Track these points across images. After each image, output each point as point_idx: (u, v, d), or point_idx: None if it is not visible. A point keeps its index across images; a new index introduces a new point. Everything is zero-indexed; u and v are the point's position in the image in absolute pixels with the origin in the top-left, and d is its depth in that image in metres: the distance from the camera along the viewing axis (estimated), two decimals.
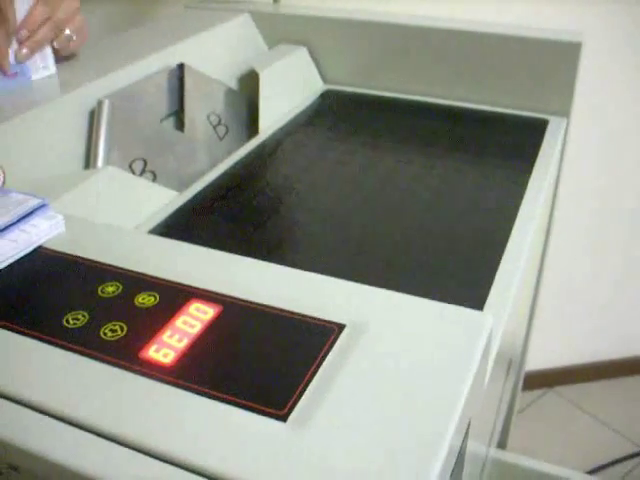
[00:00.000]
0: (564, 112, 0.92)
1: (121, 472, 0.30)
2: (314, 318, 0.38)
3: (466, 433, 0.37)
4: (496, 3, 1.33)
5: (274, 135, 0.87)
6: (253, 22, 1.02)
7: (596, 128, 1.57)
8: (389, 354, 0.35)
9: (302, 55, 0.99)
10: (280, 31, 1.02)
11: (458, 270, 0.60)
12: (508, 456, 1.24)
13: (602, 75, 1.47)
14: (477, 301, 0.55)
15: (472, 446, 0.43)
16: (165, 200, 0.71)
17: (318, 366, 0.35)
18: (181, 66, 0.83)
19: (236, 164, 0.80)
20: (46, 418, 0.32)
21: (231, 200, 0.72)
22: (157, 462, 0.30)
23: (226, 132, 0.89)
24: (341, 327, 0.37)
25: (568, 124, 0.92)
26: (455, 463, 0.34)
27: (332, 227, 0.67)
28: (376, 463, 0.29)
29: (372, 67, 1.00)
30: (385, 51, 0.98)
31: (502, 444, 1.33)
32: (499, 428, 1.01)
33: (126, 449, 0.31)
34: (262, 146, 0.84)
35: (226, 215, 0.69)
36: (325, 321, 0.38)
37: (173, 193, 0.73)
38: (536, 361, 1.94)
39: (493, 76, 0.94)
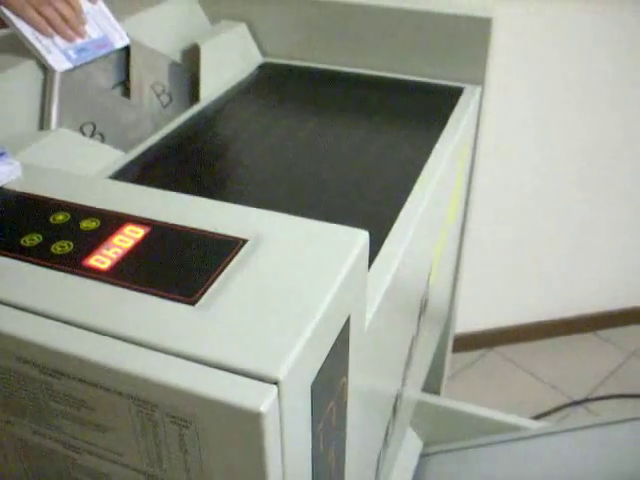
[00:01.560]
0: (478, 81, 1.02)
1: (73, 344, 0.39)
2: (223, 235, 0.47)
3: (344, 330, 0.46)
4: None
5: (213, 103, 0.96)
6: (197, 0, 1.10)
7: (524, 95, 1.68)
8: (279, 259, 0.45)
9: (241, 30, 1.08)
10: (222, 9, 1.11)
11: (366, 211, 0.70)
12: (455, 404, 1.35)
13: (537, 48, 1.58)
14: (380, 235, 0.65)
15: (364, 357, 0.53)
16: (112, 159, 0.80)
17: (224, 268, 0.44)
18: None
19: (178, 127, 0.88)
20: (18, 311, 0.41)
21: (172, 158, 0.81)
22: (99, 336, 0.39)
23: (169, 101, 0.97)
24: (244, 241, 0.47)
25: (483, 91, 1.03)
26: (331, 353, 0.43)
27: (263, 178, 0.76)
28: (255, 336, 0.39)
29: (306, 41, 1.09)
30: (318, 26, 1.07)
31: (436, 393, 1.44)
32: (422, 371, 1.12)
33: (75, 328, 0.40)
34: (202, 112, 0.93)
35: (167, 170, 0.78)
36: (231, 237, 0.47)
37: (120, 153, 0.81)
38: (476, 323, 2.06)
39: (416, 48, 1.04)
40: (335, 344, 0.45)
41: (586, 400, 1.93)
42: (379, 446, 0.79)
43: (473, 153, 1.09)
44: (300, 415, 0.41)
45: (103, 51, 0.86)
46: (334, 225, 0.48)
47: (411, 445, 1.32)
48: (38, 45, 0.78)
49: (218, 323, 0.39)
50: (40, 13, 0.78)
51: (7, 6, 0.76)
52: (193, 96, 1.01)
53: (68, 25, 0.81)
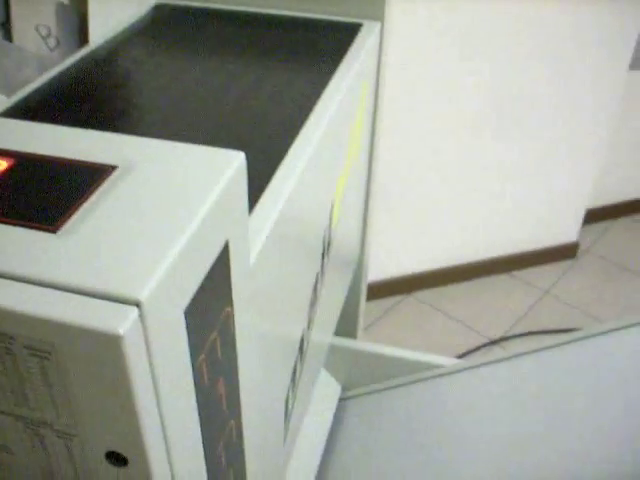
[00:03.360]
0: (377, 16, 1.01)
1: None
2: (92, 163, 0.45)
3: (222, 257, 0.44)
4: None
5: (103, 45, 0.92)
6: None
7: (429, 32, 1.67)
8: (149, 184, 0.43)
9: None
10: None
11: (257, 146, 0.68)
12: (371, 347, 1.36)
13: None
14: (269, 171, 0.63)
15: (254, 291, 0.51)
16: None
17: (90, 195, 0.42)
18: None
19: (65, 70, 0.84)
20: None
21: (58, 101, 0.77)
22: None
23: (57, 44, 0.92)
24: (114, 167, 0.44)
25: (383, 27, 1.01)
26: (207, 279, 0.42)
27: (152, 119, 0.73)
28: (117, 259, 0.37)
29: None
30: None
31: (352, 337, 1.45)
32: (334, 314, 1.11)
33: None
34: (91, 54, 0.89)
35: (52, 114, 0.74)
36: (100, 164, 0.45)
37: (2, 98, 0.77)
38: (392, 269, 2.07)
39: None
40: (212, 270, 0.43)
41: (502, 339, 1.98)
42: (285, 385, 0.78)
43: (376, 90, 1.08)
44: (173, 343, 0.39)
45: None
46: (207, 148, 0.46)
47: (329, 389, 1.32)
48: None
49: (79, 249, 0.37)
50: None
51: None
52: (82, 39, 0.96)
53: None
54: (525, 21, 1.73)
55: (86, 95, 0.78)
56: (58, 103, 0.77)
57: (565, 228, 2.24)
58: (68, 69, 0.85)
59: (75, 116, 0.74)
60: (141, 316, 0.34)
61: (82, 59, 0.88)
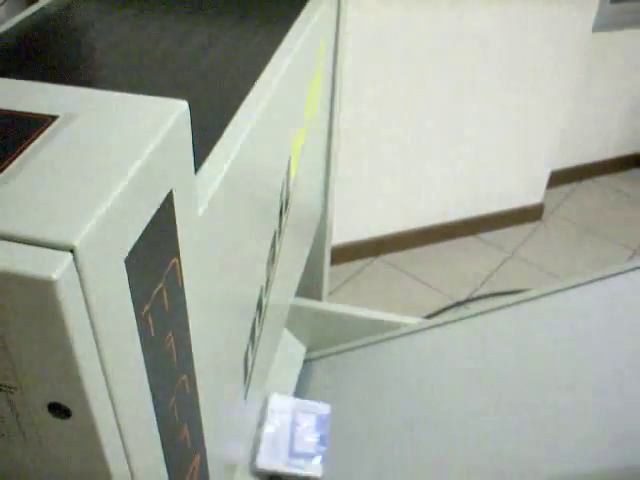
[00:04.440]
0: None
1: None
2: (31, 113, 0.44)
3: (165, 206, 0.44)
4: None
5: (53, 2, 0.90)
6: None
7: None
8: (90, 132, 0.42)
9: None
10: None
11: (209, 102, 0.67)
12: (336, 307, 1.36)
13: None
14: (221, 124, 0.62)
15: (204, 243, 0.51)
16: None
17: (28, 144, 0.41)
18: None
19: (12, 28, 0.82)
20: None
21: (7, 60, 0.75)
22: None
23: (3, 1, 0.90)
24: (54, 117, 0.43)
25: None
26: (149, 228, 0.41)
27: (102, 75, 0.72)
28: (53, 206, 0.36)
29: None
30: None
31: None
32: (295, 273, 1.11)
33: None
34: (40, 12, 0.87)
35: (6, 70, 0.72)
36: (40, 115, 0.44)
37: None
38: (359, 232, 2.08)
39: None
40: (154, 219, 0.42)
41: (467, 300, 2.00)
42: (243, 343, 0.78)
43: (336, 42, 1.06)
44: (113, 292, 0.38)
45: None
46: (150, 97, 0.45)
47: (293, 350, 1.33)
48: None
49: (15, 196, 0.36)
50: None
51: None
52: None
53: None
54: None
55: (35, 51, 0.77)
56: (5, 58, 0.75)
57: (530, 190, 2.26)
58: (17, 25, 0.83)
59: (23, 71, 0.72)
60: (76, 262, 0.34)
61: (31, 16, 0.85)
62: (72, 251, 0.33)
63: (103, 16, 0.86)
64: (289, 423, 1.16)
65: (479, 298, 2.00)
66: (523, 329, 1.13)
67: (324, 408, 1.21)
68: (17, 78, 0.71)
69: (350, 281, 2.05)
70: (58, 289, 0.33)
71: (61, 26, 0.83)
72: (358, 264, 2.12)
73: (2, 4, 0.88)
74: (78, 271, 0.34)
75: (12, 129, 0.43)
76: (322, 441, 1.14)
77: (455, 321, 1.26)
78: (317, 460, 1.11)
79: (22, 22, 0.84)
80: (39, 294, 0.33)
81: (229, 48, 0.80)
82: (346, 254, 2.09)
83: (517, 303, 1.17)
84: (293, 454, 1.11)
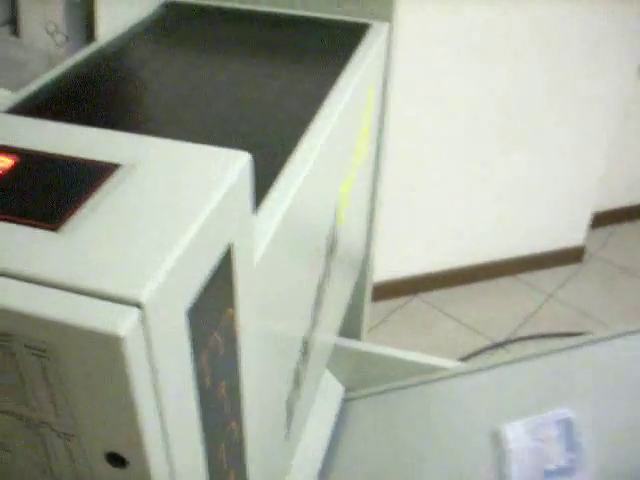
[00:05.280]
0: (386, 17, 1.00)
1: None
2: (96, 161, 0.44)
3: (225, 258, 0.44)
4: None
5: (111, 42, 0.92)
6: None
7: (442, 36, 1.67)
8: (152, 183, 0.42)
9: None
10: None
11: (264, 145, 0.67)
12: (375, 348, 1.35)
13: None
14: (275, 170, 0.63)
15: (258, 291, 0.51)
16: (1, 98, 0.75)
17: (92, 193, 0.41)
18: None
19: (72, 67, 0.84)
20: None
21: (65, 98, 0.77)
22: None
23: (65, 41, 0.92)
24: (117, 166, 0.44)
25: (391, 28, 1.01)
26: (211, 281, 0.42)
27: (160, 116, 0.73)
28: (119, 259, 0.36)
29: None
30: None
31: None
32: (338, 314, 1.11)
33: None
34: (98, 51, 0.89)
35: (59, 110, 0.74)
36: (104, 163, 0.44)
37: (7, 92, 0.77)
38: (399, 270, 2.07)
39: None
40: (215, 272, 0.43)
41: (506, 342, 1.97)
42: (287, 386, 0.78)
43: (384, 92, 1.07)
44: (175, 344, 0.39)
45: None
46: (212, 147, 0.46)
47: (332, 390, 1.32)
48: None
49: (80, 248, 0.37)
50: None
51: None
52: (90, 36, 0.96)
53: None
54: (529, 23, 1.72)
55: (93, 92, 0.78)
56: (64, 100, 0.76)
57: (572, 232, 2.24)
58: (75, 66, 0.84)
59: (81, 113, 0.73)
60: (142, 317, 0.34)
61: (89, 56, 0.87)
62: (139, 306, 0.34)
63: (158, 56, 0.88)
64: (529, 448, 1.03)
65: (519, 340, 1.97)
66: (570, 376, 1.11)
67: (562, 412, 1.06)
68: (74, 120, 0.72)
69: (388, 319, 2.04)
70: (125, 345, 0.33)
71: (117, 67, 0.85)
72: (397, 302, 2.11)
73: (63, 43, 0.90)
74: (144, 326, 0.34)
75: (76, 177, 0.43)
76: (571, 447, 1.00)
77: (495, 366, 1.24)
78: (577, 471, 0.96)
79: (80, 62, 0.85)
80: (105, 349, 0.33)
81: (284, 89, 0.80)
82: (385, 292, 2.08)
83: (562, 349, 1.15)
84: (549, 475, 0.99)
